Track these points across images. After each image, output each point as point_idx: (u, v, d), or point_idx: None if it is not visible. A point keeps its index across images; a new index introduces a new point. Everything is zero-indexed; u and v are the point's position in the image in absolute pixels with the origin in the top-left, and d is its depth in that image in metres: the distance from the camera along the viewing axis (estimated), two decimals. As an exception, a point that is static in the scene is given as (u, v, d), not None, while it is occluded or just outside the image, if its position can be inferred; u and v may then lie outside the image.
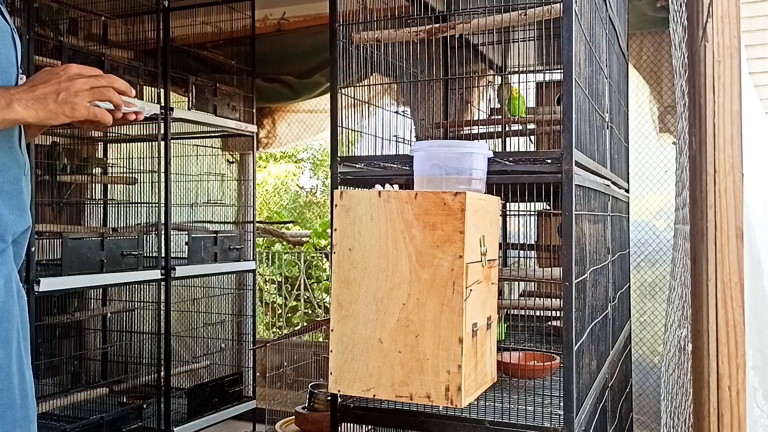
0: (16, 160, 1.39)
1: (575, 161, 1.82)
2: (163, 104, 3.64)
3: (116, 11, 3.81)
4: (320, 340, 5.75)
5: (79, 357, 4.16)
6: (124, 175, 3.90)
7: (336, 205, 1.71)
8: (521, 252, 2.93)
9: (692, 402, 1.59)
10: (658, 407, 3.68)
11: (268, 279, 7.42)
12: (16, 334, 1.39)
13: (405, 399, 1.64)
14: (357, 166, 2.10)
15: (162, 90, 3.67)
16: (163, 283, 3.64)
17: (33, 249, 2.94)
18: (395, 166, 2.08)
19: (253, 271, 4.34)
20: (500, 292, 2.64)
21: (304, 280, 6.93)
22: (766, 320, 2.20)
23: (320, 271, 7.58)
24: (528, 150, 2.62)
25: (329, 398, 2.14)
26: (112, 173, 4.05)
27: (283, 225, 7.49)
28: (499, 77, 3.22)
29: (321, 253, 7.61)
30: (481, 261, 1.69)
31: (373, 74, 2.27)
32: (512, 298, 2.73)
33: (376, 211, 1.66)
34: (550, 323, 2.68)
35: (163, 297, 3.65)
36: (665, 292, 3.60)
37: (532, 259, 2.90)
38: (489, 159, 1.87)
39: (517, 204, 2.51)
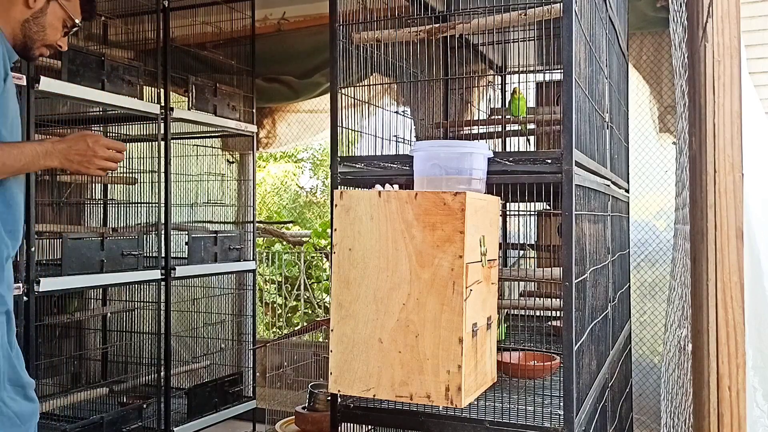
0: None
1: (575, 161, 1.82)
2: (163, 104, 3.64)
3: (116, 11, 3.81)
4: (320, 340, 5.75)
5: (79, 357, 4.16)
6: (124, 175, 3.90)
7: (336, 205, 1.71)
8: (521, 252, 2.93)
9: (692, 402, 1.59)
10: (658, 407, 3.68)
11: (268, 279, 7.42)
12: None
13: (405, 399, 1.64)
14: (357, 166, 2.10)
15: (162, 90, 3.67)
16: (163, 283, 3.63)
17: (33, 249, 2.94)
18: (395, 166, 2.08)
19: (253, 271, 4.34)
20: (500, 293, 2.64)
21: (304, 280, 6.93)
22: (766, 320, 2.20)
23: (320, 271, 7.58)
24: (528, 150, 2.62)
25: (329, 398, 2.14)
26: (112, 173, 4.05)
27: (283, 225, 7.49)
28: (499, 77, 3.22)
29: (321, 253, 7.61)
30: (481, 261, 1.69)
31: (373, 74, 2.27)
32: (512, 297, 2.73)
33: (376, 211, 1.66)
34: (550, 323, 2.68)
35: (163, 297, 3.65)
36: (665, 292, 3.60)
37: (533, 259, 2.90)
38: (489, 159, 1.87)
39: (517, 204, 2.51)
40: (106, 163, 1.86)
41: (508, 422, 1.83)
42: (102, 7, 3.81)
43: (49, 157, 1.81)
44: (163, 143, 3.65)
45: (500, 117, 2.70)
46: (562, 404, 1.80)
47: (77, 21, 1.99)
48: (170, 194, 3.71)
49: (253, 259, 4.29)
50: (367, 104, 2.21)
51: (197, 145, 4.41)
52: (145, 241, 3.52)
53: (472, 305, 1.63)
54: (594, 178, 2.24)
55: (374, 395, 1.67)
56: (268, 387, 4.86)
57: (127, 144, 4.00)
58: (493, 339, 1.81)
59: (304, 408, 3.23)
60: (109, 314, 4.10)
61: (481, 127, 2.68)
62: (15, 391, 1.87)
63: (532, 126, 2.56)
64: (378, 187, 1.76)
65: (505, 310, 2.63)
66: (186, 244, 3.79)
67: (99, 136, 1.86)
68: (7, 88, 1.80)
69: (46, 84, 2.96)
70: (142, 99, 3.51)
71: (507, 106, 2.68)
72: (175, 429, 3.64)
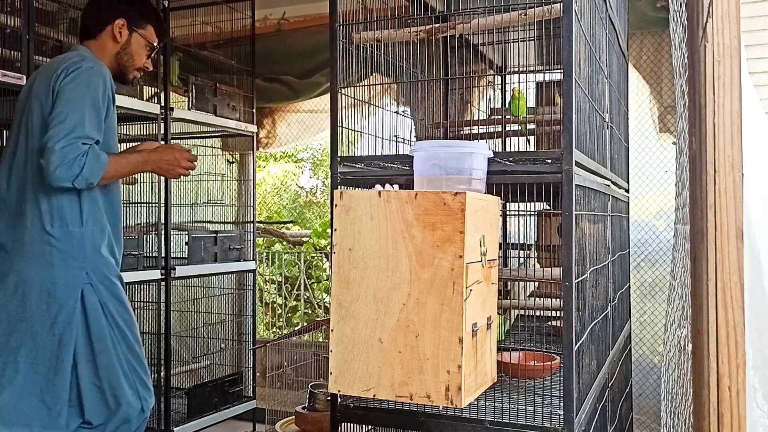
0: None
1: (575, 161, 1.82)
2: (163, 104, 3.64)
3: (116, 11, 3.81)
4: (320, 340, 5.75)
5: (79, 357, 4.15)
6: (124, 175, 3.89)
7: (336, 205, 1.71)
8: (521, 252, 2.93)
9: (692, 402, 1.59)
10: (658, 407, 3.68)
11: (268, 279, 7.42)
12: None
13: (405, 399, 1.64)
14: (357, 166, 2.10)
15: (162, 90, 3.67)
16: (163, 283, 3.63)
17: (33, 249, 2.93)
18: (395, 166, 2.08)
19: (253, 271, 4.33)
20: (507, 293, 2.64)
21: (304, 280, 6.93)
22: (766, 320, 2.20)
23: (320, 271, 7.58)
24: (528, 150, 2.62)
25: (329, 398, 2.14)
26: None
27: (283, 225, 7.49)
28: (500, 77, 3.23)
29: (321, 253, 7.61)
30: (481, 261, 1.69)
31: (373, 74, 2.27)
32: (513, 299, 2.73)
33: (376, 211, 1.66)
34: (550, 323, 2.68)
35: (163, 297, 3.65)
36: (665, 292, 3.60)
37: (533, 259, 2.90)
38: (489, 159, 1.87)
39: (517, 204, 2.51)
40: (184, 171, 2.41)
41: (508, 422, 1.83)
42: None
43: (145, 164, 2.35)
44: (163, 143, 3.65)
45: (500, 117, 2.70)
46: (562, 404, 1.80)
47: (155, 44, 2.49)
48: (170, 194, 3.71)
49: (253, 259, 4.29)
50: (367, 104, 2.21)
51: (197, 145, 4.41)
52: (145, 241, 3.52)
53: (472, 305, 1.63)
54: (594, 178, 2.25)
55: (374, 395, 1.67)
56: (268, 387, 4.86)
57: (127, 144, 4.02)
58: (493, 339, 1.81)
59: (304, 408, 3.23)
60: (109, 314, 4.09)
61: (481, 127, 2.68)
62: None
63: (532, 126, 2.56)
64: (378, 187, 1.76)
65: (506, 311, 2.63)
66: (186, 244, 3.79)
67: (183, 149, 2.41)
68: (114, 112, 2.32)
69: (46, 84, 2.96)
70: (142, 99, 3.51)
71: (507, 106, 2.68)
72: (175, 429, 3.64)
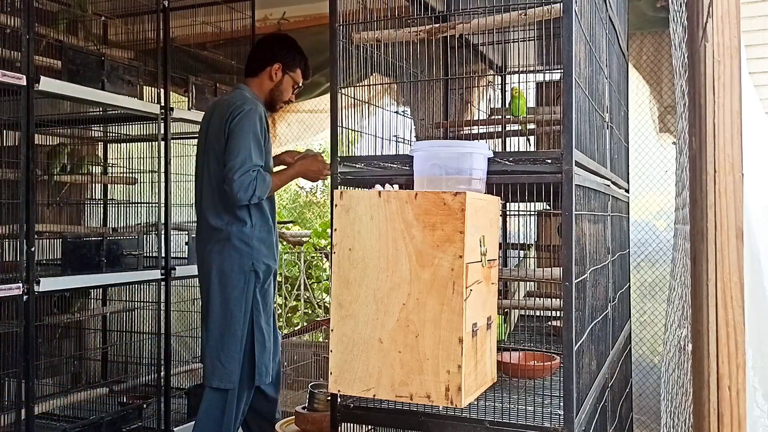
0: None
1: (575, 161, 1.82)
2: (163, 104, 3.64)
3: (116, 11, 3.81)
4: (320, 340, 5.75)
5: (79, 357, 4.15)
6: (124, 175, 3.90)
7: (336, 205, 1.71)
8: (521, 252, 2.93)
9: (692, 402, 1.59)
10: (658, 407, 3.68)
11: (268, 279, 7.40)
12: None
13: (405, 399, 1.64)
14: (357, 166, 2.10)
15: (162, 90, 3.67)
16: (163, 283, 3.63)
17: (33, 249, 2.94)
18: (395, 166, 2.08)
19: (254, 271, 4.31)
20: (506, 293, 2.64)
21: (304, 280, 6.93)
22: (766, 320, 2.20)
23: (320, 271, 7.58)
24: (528, 150, 2.62)
25: (329, 398, 2.14)
26: (112, 173, 4.04)
27: (283, 225, 7.48)
28: (500, 77, 3.23)
29: (321, 253, 7.61)
30: (481, 261, 1.69)
31: (373, 74, 2.27)
32: (513, 299, 2.73)
33: (376, 211, 1.66)
34: (550, 323, 2.68)
35: (163, 297, 3.65)
36: (665, 292, 3.60)
37: (532, 259, 2.90)
38: (489, 159, 1.87)
39: (517, 204, 2.51)
40: (323, 177, 3.00)
41: (508, 422, 1.83)
42: (102, 7, 3.81)
43: (297, 175, 2.99)
44: (163, 143, 3.65)
45: (500, 117, 2.69)
46: (562, 404, 1.80)
47: (300, 83, 3.11)
48: (170, 194, 3.71)
49: (253, 259, 4.27)
50: (367, 104, 2.21)
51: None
52: (145, 241, 3.51)
53: (472, 305, 1.63)
54: (594, 178, 2.25)
55: (374, 395, 1.67)
56: (268, 387, 4.84)
57: (127, 144, 4.03)
58: (493, 339, 1.81)
59: (304, 408, 3.23)
60: (109, 314, 4.09)
61: (481, 127, 2.68)
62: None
63: (532, 126, 2.56)
64: (378, 187, 1.76)
65: (515, 314, 2.63)
66: (186, 244, 3.79)
67: (323, 159, 2.96)
68: (269, 139, 2.92)
69: (47, 84, 2.96)
70: (142, 99, 3.51)
71: (507, 106, 2.68)
72: (175, 429, 3.64)
